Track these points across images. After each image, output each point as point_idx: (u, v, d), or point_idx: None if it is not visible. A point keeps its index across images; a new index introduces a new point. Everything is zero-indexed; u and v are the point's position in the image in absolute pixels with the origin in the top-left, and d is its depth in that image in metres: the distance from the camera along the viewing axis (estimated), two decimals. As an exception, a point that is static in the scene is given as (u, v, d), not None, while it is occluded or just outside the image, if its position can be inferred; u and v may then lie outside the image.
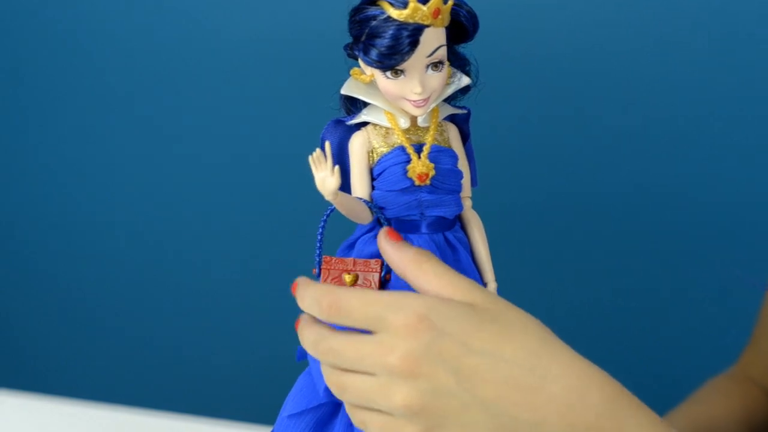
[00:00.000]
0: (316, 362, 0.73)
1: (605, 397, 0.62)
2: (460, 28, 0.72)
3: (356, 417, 0.65)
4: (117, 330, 1.72)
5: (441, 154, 0.73)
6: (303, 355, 0.76)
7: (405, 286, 0.71)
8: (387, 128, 0.73)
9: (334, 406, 0.75)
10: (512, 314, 0.63)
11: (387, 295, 0.62)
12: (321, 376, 0.73)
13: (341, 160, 0.74)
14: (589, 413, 0.61)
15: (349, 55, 0.73)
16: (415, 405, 0.61)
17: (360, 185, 0.73)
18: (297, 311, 0.77)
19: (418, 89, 0.71)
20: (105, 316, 1.72)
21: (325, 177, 0.69)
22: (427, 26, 0.69)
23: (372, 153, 0.73)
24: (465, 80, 0.74)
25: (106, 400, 1.15)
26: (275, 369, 1.30)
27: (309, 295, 0.65)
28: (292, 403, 0.76)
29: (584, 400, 0.61)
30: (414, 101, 0.71)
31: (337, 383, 0.64)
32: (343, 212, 0.72)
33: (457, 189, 0.73)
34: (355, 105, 0.74)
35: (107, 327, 1.72)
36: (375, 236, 0.73)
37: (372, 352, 0.61)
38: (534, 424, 0.61)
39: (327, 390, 0.73)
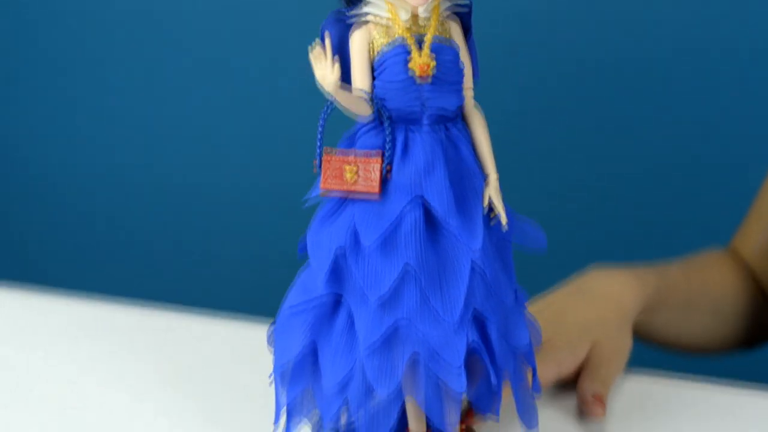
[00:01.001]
0: (316, 256, 0.74)
1: None
2: None
3: None
4: (118, 223, 1.73)
5: (442, 47, 0.72)
6: (303, 250, 0.76)
7: (406, 183, 0.71)
8: (388, 21, 0.72)
9: (335, 299, 0.76)
10: None
11: None
12: (321, 267, 0.73)
13: (341, 54, 0.73)
14: None
15: (349, -52, 0.72)
16: None
17: (361, 78, 0.73)
18: (299, 206, 0.78)
19: (419, -19, 0.70)
20: (104, 208, 1.73)
21: (325, 71, 0.69)
22: None
23: (373, 46, 0.73)
24: (466, -27, 0.73)
25: (105, 294, 1.16)
26: (277, 263, 1.31)
27: None
28: (293, 296, 0.77)
29: None
30: (414, -6, 0.70)
31: None
32: (344, 106, 0.72)
33: (459, 82, 0.73)
34: (356, -3, 0.74)
35: (107, 219, 1.73)
36: (375, 129, 0.73)
37: None
38: None
39: (328, 282, 0.74)
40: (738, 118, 1.46)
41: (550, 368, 0.89)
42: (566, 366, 0.91)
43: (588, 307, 0.95)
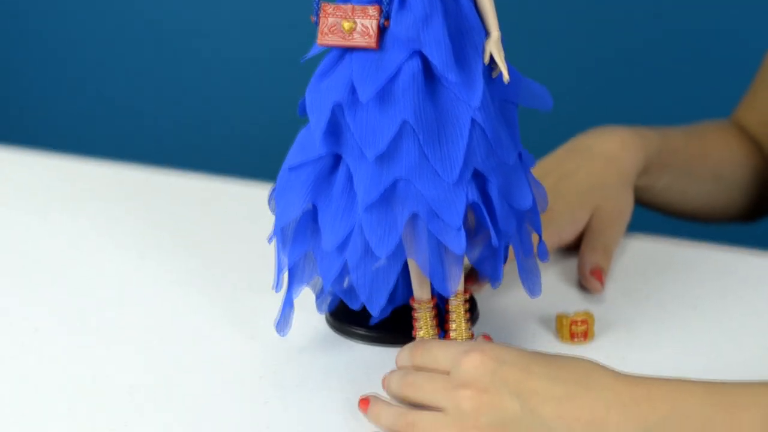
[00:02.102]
0: (314, 112, 0.73)
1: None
2: None
3: None
4: (120, 85, 1.72)
5: None
6: (303, 111, 0.75)
7: (403, 36, 0.70)
8: None
9: (334, 159, 0.75)
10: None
11: (461, 344, 0.73)
12: (318, 123, 0.72)
13: None
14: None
15: None
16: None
17: (358, -72, 0.71)
18: (296, 66, 0.76)
19: None
20: (107, 68, 1.72)
21: None
22: None
23: None
24: None
25: (107, 156, 1.16)
26: (277, 125, 1.30)
27: (405, 349, 0.76)
28: (293, 156, 0.76)
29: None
30: None
31: (408, 422, 0.71)
32: (341, -44, 0.70)
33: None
34: None
35: (110, 81, 1.72)
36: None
37: (445, 385, 0.70)
38: None
39: (325, 139, 0.73)
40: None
41: (551, 237, 0.89)
42: (567, 234, 0.91)
43: (587, 170, 0.94)
